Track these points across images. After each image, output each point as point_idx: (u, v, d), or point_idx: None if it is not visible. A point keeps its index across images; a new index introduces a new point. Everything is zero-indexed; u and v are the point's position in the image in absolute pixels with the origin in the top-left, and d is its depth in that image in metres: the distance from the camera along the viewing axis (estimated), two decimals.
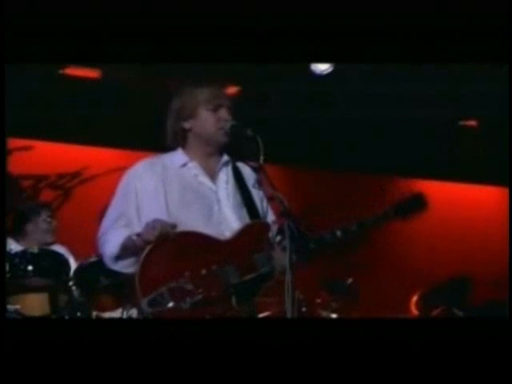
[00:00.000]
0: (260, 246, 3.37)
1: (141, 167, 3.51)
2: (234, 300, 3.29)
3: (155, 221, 3.28)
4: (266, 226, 3.43)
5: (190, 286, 3.25)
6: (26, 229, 5.71)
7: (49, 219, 5.75)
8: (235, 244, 3.36)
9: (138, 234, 3.31)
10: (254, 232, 3.40)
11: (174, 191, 3.42)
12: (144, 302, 3.20)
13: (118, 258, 3.40)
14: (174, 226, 3.28)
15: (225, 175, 3.51)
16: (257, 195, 3.51)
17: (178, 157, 3.52)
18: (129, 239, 3.34)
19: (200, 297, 3.24)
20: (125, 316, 5.10)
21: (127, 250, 3.36)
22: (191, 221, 3.38)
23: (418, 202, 3.66)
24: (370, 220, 3.53)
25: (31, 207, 6.02)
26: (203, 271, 3.29)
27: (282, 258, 3.30)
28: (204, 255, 3.31)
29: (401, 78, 6.66)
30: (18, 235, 5.69)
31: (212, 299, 3.26)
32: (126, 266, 3.41)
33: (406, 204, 3.62)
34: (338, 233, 3.46)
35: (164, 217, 3.36)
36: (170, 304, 3.20)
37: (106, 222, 3.47)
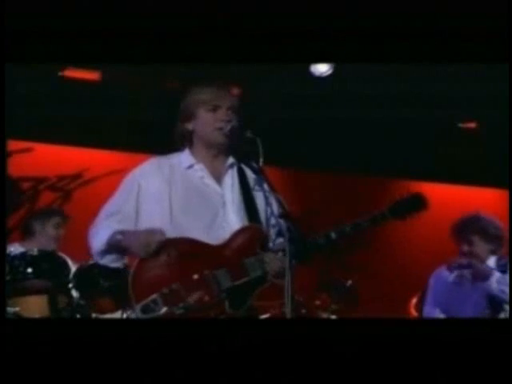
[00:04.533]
0: (252, 250, 3.37)
1: (148, 166, 3.52)
2: (226, 304, 3.29)
3: (148, 236, 3.28)
4: (257, 230, 3.42)
5: (182, 292, 3.26)
6: (34, 231, 5.73)
7: (58, 226, 5.77)
8: (227, 249, 3.36)
9: (122, 233, 3.31)
10: (245, 236, 3.39)
11: (179, 194, 3.42)
12: (137, 309, 3.23)
13: (105, 252, 3.40)
14: (163, 239, 3.29)
15: (230, 178, 3.51)
16: (258, 198, 3.51)
17: (184, 158, 3.52)
18: (115, 236, 3.34)
19: (192, 302, 3.25)
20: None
21: (113, 246, 3.36)
22: (194, 224, 3.38)
23: (416, 202, 3.60)
24: (365, 221, 3.48)
25: (44, 210, 6.06)
26: (195, 276, 3.30)
27: (274, 262, 3.31)
28: (196, 260, 3.32)
29: (401, 79, 6.66)
30: (25, 236, 5.72)
31: (205, 304, 3.27)
32: (113, 261, 3.42)
33: (403, 204, 3.56)
34: (333, 235, 3.42)
35: (166, 219, 3.37)
36: (163, 309, 3.21)
37: (101, 215, 3.47)
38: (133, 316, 3.31)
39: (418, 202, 3.61)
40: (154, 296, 3.23)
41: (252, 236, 3.40)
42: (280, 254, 3.32)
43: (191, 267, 3.30)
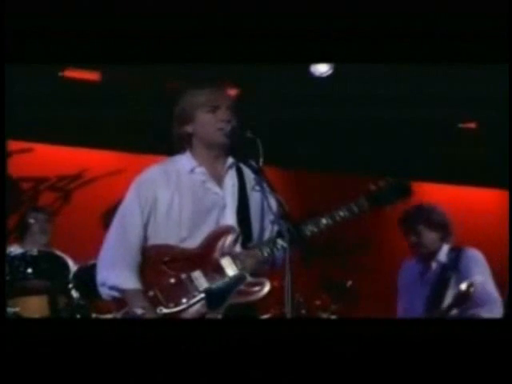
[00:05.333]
0: (227, 250, 3.37)
1: (157, 175, 3.48)
2: (205, 305, 3.31)
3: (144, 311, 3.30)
4: (230, 229, 3.41)
5: (160, 296, 3.30)
6: (24, 232, 5.76)
7: (42, 221, 5.79)
8: (202, 250, 3.37)
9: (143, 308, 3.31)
10: (219, 236, 3.39)
11: (186, 200, 3.42)
12: (118, 316, 3.30)
13: (110, 289, 3.39)
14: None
15: (230, 179, 3.50)
16: (258, 198, 3.50)
17: (186, 161, 3.50)
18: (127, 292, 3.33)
19: (172, 305, 3.29)
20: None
21: (120, 294, 3.37)
22: (200, 230, 3.39)
23: (397, 190, 3.53)
24: (341, 210, 3.45)
25: (27, 210, 6.08)
26: (171, 280, 3.33)
27: (248, 260, 3.34)
28: (172, 265, 3.35)
29: (401, 79, 6.66)
30: (19, 238, 5.75)
31: (183, 306, 3.30)
32: (110, 296, 3.41)
33: (380, 192, 3.50)
34: (309, 227, 3.39)
35: (175, 226, 3.39)
36: (143, 315, 3.25)
37: (133, 217, 3.42)
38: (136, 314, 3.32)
39: (399, 190, 3.55)
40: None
41: (226, 236, 3.40)
42: (255, 251, 3.35)
43: (167, 272, 3.34)
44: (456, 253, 5.00)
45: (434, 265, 5.05)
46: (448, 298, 4.86)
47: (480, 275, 4.88)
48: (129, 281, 3.34)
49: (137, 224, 3.40)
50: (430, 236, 5.01)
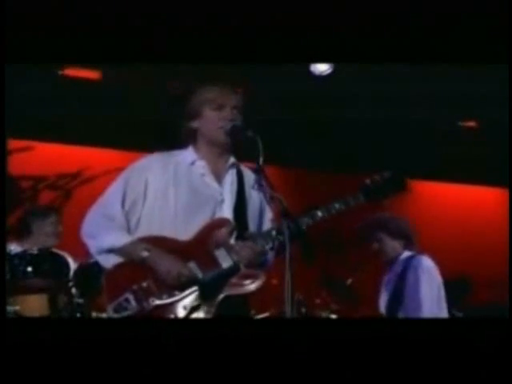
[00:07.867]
0: (222, 241, 3.38)
1: (153, 162, 3.52)
2: (198, 296, 3.32)
3: (182, 269, 3.31)
4: (225, 222, 3.43)
5: (153, 287, 3.31)
6: (31, 230, 5.72)
7: (55, 223, 5.76)
8: (196, 242, 3.38)
9: (149, 249, 3.32)
10: (214, 229, 3.41)
11: (182, 192, 3.44)
12: (110, 309, 3.33)
13: (112, 254, 3.40)
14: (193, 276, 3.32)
15: (230, 176, 3.53)
16: (258, 196, 3.52)
17: (187, 155, 3.54)
18: (137, 248, 3.34)
19: (165, 296, 3.30)
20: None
21: (128, 255, 3.38)
22: (194, 223, 3.41)
23: (393, 184, 3.54)
24: (337, 204, 3.48)
25: (39, 208, 6.05)
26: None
27: (244, 251, 3.36)
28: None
29: (401, 78, 6.66)
30: (22, 235, 5.71)
31: (176, 297, 3.32)
32: (112, 264, 3.42)
33: (376, 186, 3.52)
34: (306, 220, 3.41)
35: (168, 217, 3.40)
36: (135, 307, 3.28)
37: (114, 204, 3.45)
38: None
39: (394, 184, 3.56)
40: (126, 295, 3.30)
41: (221, 228, 3.41)
42: (250, 242, 3.37)
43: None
44: (408, 262, 5.11)
45: (391, 275, 5.22)
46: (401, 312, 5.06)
47: (414, 284, 5.03)
48: (121, 238, 3.37)
49: (117, 210, 3.44)
50: (391, 244, 5.18)
